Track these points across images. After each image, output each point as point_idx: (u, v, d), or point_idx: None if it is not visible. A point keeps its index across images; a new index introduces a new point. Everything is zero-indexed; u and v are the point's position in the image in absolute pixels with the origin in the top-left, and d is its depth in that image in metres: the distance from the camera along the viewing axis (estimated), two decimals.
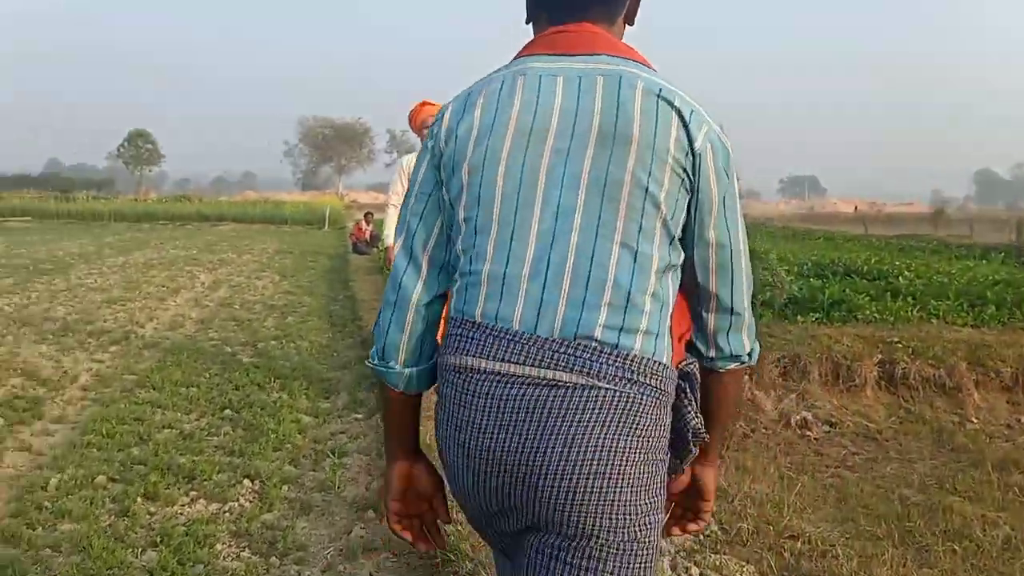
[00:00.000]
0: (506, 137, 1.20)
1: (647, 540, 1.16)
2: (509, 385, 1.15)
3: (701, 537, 3.68)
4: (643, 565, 1.16)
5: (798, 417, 5.89)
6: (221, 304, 8.89)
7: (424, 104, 3.96)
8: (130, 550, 2.75)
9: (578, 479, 1.12)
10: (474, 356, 1.18)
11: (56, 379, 5.14)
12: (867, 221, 34.62)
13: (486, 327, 1.18)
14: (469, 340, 1.19)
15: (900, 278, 10.09)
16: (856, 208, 52.60)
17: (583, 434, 1.12)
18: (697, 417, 1.26)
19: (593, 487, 1.12)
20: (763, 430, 5.70)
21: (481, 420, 1.17)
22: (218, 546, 2.82)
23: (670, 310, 1.21)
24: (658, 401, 1.17)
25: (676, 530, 1.42)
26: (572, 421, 1.12)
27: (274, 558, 2.75)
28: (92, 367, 5.56)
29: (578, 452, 1.12)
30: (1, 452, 3.76)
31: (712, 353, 1.28)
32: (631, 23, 1.38)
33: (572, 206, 1.16)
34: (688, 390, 1.26)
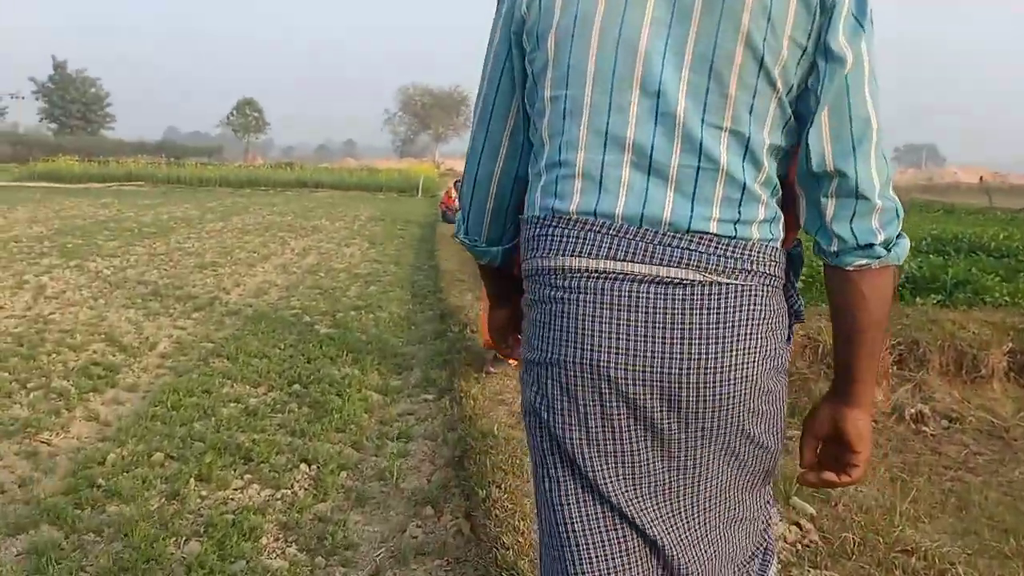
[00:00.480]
0: (597, 3, 1.05)
1: (772, 446, 1.15)
2: (620, 283, 1.05)
3: (799, 548, 3.30)
4: (761, 466, 1.15)
5: (913, 410, 5.33)
6: (308, 271, 8.86)
7: None
8: (173, 539, 2.58)
9: (704, 382, 1.05)
10: (574, 256, 1.07)
11: (136, 345, 5.13)
12: (991, 192, 32.34)
13: (584, 223, 1.07)
14: (564, 239, 1.08)
15: None
16: (981, 178, 49.21)
17: (707, 335, 1.04)
18: (799, 298, 1.17)
19: (712, 397, 1.06)
20: (873, 424, 5.17)
21: (589, 320, 1.06)
22: (264, 539, 2.62)
23: (780, 192, 1.11)
24: (775, 289, 1.10)
25: (811, 476, 1.21)
26: (694, 322, 1.03)
27: (320, 557, 2.53)
28: (173, 334, 5.54)
29: (704, 354, 1.04)
30: (69, 421, 3.71)
31: (835, 246, 1.07)
32: None
33: (676, 86, 1.03)
34: (790, 272, 1.15)
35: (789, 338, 1.17)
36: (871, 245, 1.06)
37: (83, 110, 62.62)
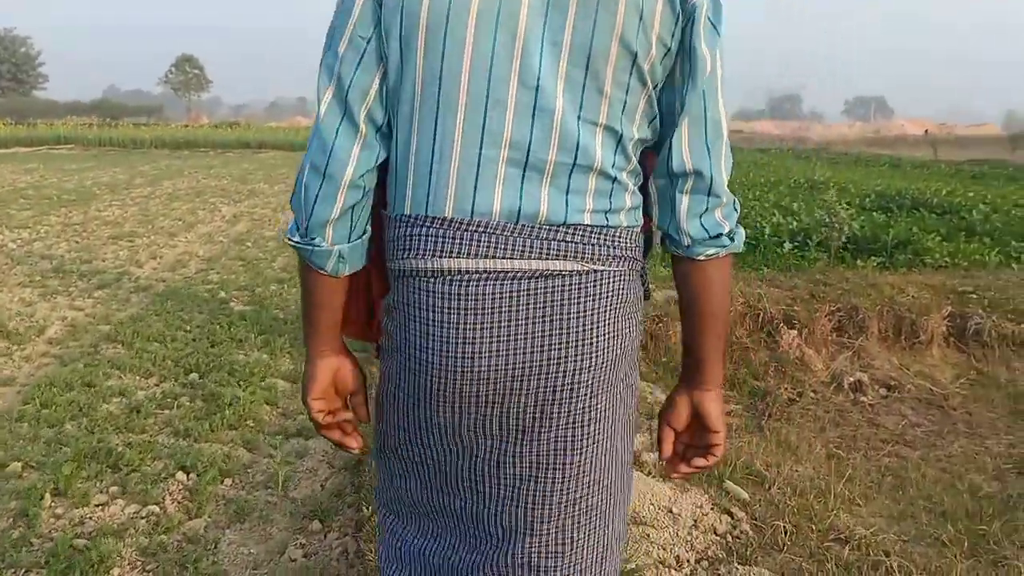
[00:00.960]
0: None
1: (631, 400, 1.20)
2: (499, 282, 1.05)
3: (729, 540, 3.09)
4: (627, 417, 1.19)
5: (852, 379, 5.18)
6: (235, 240, 8.40)
7: None
8: (10, 572, 2.25)
9: (580, 366, 1.09)
10: (450, 256, 1.05)
11: (22, 331, 4.69)
12: (937, 144, 32.71)
13: (461, 223, 1.05)
14: (440, 239, 1.05)
15: (974, 212, 9.11)
16: (926, 131, 49.84)
17: (588, 321, 1.08)
18: (647, 279, 1.22)
19: (596, 374, 1.11)
20: (811, 395, 5.00)
21: (468, 326, 1.05)
22: (116, 570, 2.29)
23: (643, 179, 1.17)
24: (636, 272, 1.16)
25: (683, 467, 1.25)
26: (576, 310, 1.07)
27: None
28: (68, 316, 5.11)
29: (585, 339, 1.08)
30: None
31: (687, 239, 1.14)
32: None
33: (553, 82, 1.03)
34: (645, 255, 1.21)
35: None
36: (719, 236, 1.13)
37: (13, 71, 59.76)
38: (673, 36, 1.05)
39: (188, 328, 4.85)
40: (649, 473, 3.60)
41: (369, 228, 1.15)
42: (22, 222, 9.19)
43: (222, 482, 2.85)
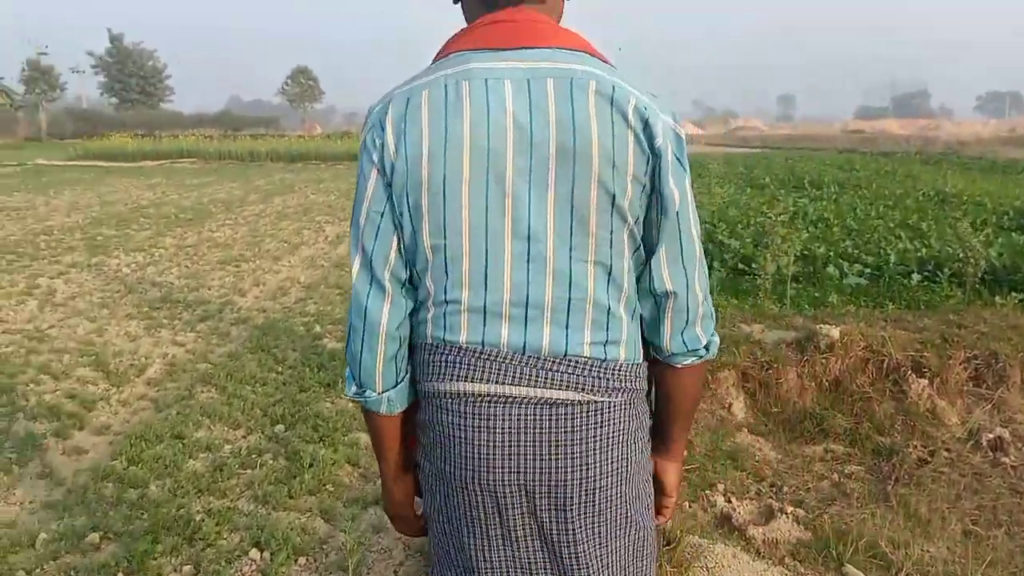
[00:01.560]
0: (463, 158, 1.15)
1: (648, 524, 1.31)
2: (507, 406, 1.18)
3: None
4: (644, 541, 1.30)
5: (991, 436, 4.64)
6: (335, 264, 8.46)
7: None
8: None
9: (584, 492, 1.20)
10: (466, 381, 1.19)
11: (123, 371, 4.77)
12: None
13: (473, 351, 1.18)
14: (457, 364, 1.19)
15: None
16: None
17: (588, 448, 1.19)
18: (651, 398, 1.34)
19: (595, 497, 1.22)
20: (944, 454, 4.50)
21: (481, 443, 1.19)
22: None
23: (640, 312, 1.27)
24: (641, 400, 1.28)
25: None
26: (575, 439, 1.18)
27: None
28: (169, 353, 5.18)
29: (583, 466, 1.20)
30: (15, 481, 3.34)
31: (667, 351, 1.27)
32: None
33: (543, 229, 1.16)
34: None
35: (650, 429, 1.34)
36: (696, 350, 1.27)
37: (142, 84, 63.56)
38: (646, 174, 1.17)
39: (280, 369, 4.81)
40: (759, 553, 3.27)
41: (409, 372, 1.28)
42: (139, 244, 9.57)
43: (295, 561, 2.72)
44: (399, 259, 1.21)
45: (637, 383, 1.25)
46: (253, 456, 3.57)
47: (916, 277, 6.80)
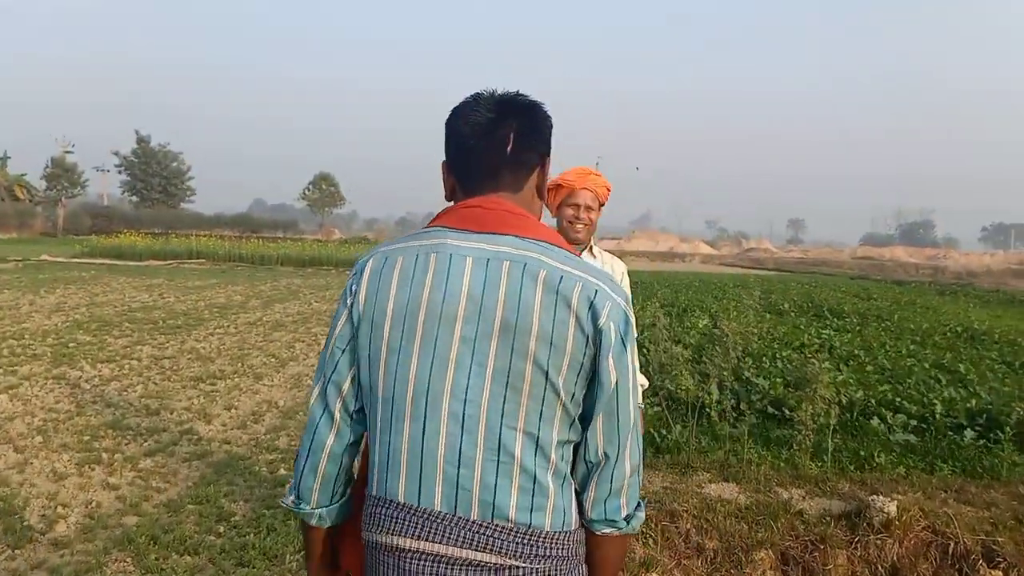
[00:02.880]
0: (418, 321, 1.29)
1: None
2: (435, 564, 1.26)
3: None
4: None
5: None
6: None
7: (559, 186, 3.08)
8: None
9: None
10: (400, 535, 1.28)
11: (32, 524, 3.95)
12: None
13: (409, 508, 1.28)
14: (394, 520, 1.29)
15: None
16: None
17: None
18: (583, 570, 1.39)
19: None
20: None
21: None
22: None
23: (572, 483, 1.35)
24: (570, 565, 1.32)
25: None
26: None
27: None
28: (94, 500, 4.36)
29: None
30: None
31: (590, 516, 1.35)
32: (542, 197, 1.46)
33: (479, 394, 1.26)
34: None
35: None
36: (615, 521, 1.36)
37: (164, 183, 64.56)
38: (584, 354, 1.28)
39: (222, 530, 3.98)
40: None
41: (348, 494, 1.45)
42: (112, 354, 8.85)
43: None
44: (351, 392, 1.37)
45: (566, 551, 1.30)
46: None
47: (969, 434, 5.96)
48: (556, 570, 1.29)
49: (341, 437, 1.37)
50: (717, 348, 5.63)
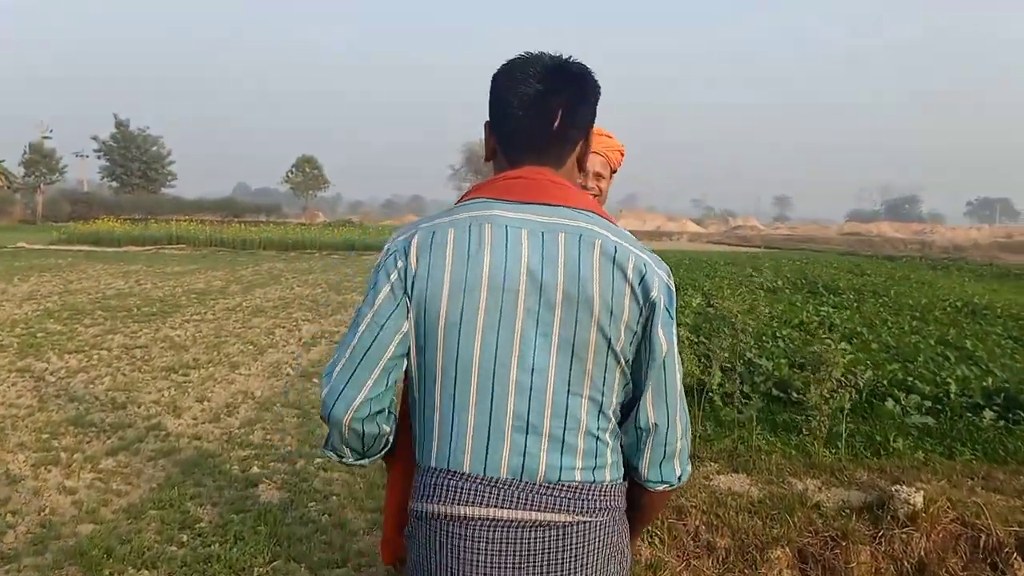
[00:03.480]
0: (480, 294, 1.28)
1: None
2: (505, 529, 1.28)
3: None
4: None
5: None
6: (302, 375, 7.30)
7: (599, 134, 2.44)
8: None
9: None
10: (467, 505, 1.28)
11: None
12: None
13: (474, 477, 1.29)
14: (459, 490, 1.29)
15: None
16: None
17: (573, 567, 1.30)
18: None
19: None
20: None
21: (477, 564, 1.27)
22: None
23: (621, 437, 1.39)
24: (623, 517, 1.40)
25: None
26: (564, 557, 1.29)
27: None
28: (48, 505, 3.96)
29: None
30: None
31: (645, 477, 1.40)
32: (583, 169, 1.45)
33: (545, 364, 1.29)
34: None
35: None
36: (670, 481, 1.41)
37: (144, 168, 63.42)
38: (639, 323, 1.32)
39: (185, 539, 3.59)
40: None
41: (390, 442, 1.43)
42: (81, 344, 8.41)
43: None
44: (395, 362, 1.33)
45: (619, 502, 1.38)
46: None
47: (988, 415, 5.64)
48: (613, 520, 1.35)
49: (375, 403, 1.34)
50: (725, 330, 5.26)
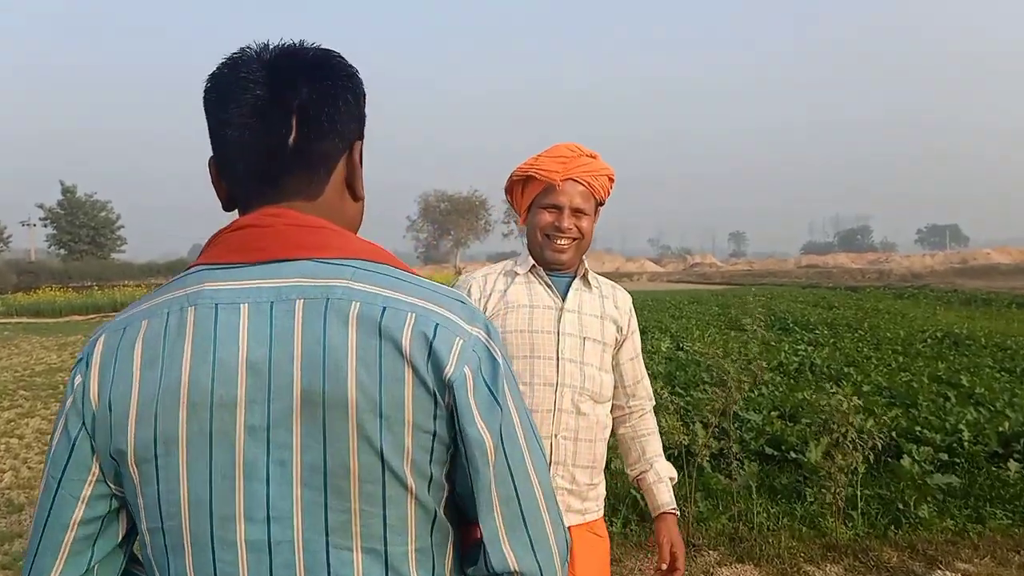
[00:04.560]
0: (179, 414, 0.86)
1: None
2: None
3: None
4: None
5: None
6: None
7: (529, 179, 1.99)
8: None
9: None
10: None
11: None
12: None
13: None
14: None
15: None
16: None
17: None
18: None
19: None
20: None
21: None
22: None
23: None
24: None
25: None
26: None
27: None
28: None
29: None
30: None
31: None
32: (356, 197, 1.01)
33: (288, 507, 0.86)
34: None
35: None
36: None
37: (92, 234, 61.81)
38: (435, 418, 0.87)
39: None
40: None
41: None
42: None
43: None
44: (74, 558, 0.91)
45: None
46: None
47: (1014, 466, 5.00)
48: None
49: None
50: (703, 376, 4.59)
